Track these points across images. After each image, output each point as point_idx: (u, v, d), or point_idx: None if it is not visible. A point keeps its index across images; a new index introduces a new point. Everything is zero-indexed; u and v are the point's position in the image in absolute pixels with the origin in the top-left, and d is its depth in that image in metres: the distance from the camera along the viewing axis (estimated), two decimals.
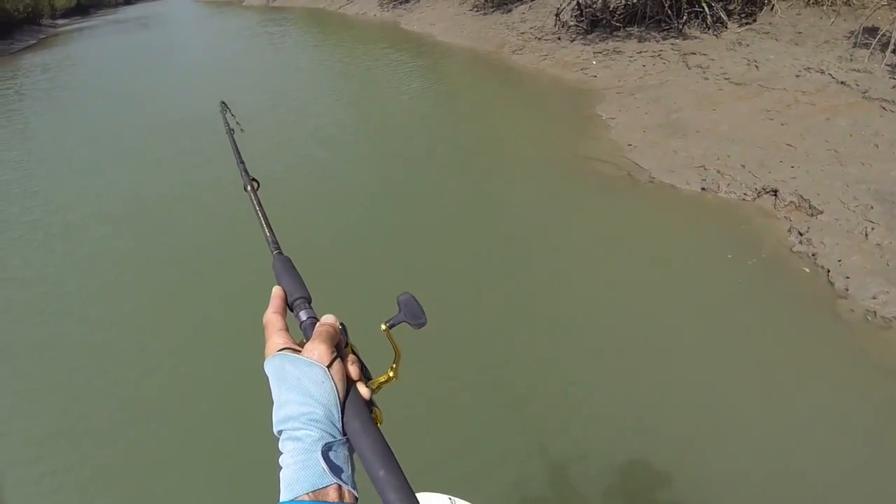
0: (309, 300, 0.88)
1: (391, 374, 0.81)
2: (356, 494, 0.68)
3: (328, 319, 0.79)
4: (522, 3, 12.22)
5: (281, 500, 0.65)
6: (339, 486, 0.66)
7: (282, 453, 0.69)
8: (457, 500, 1.38)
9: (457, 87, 9.60)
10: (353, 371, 0.77)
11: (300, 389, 0.70)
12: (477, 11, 13.40)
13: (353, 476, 0.69)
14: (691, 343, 3.48)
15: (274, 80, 11.43)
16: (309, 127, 8.19)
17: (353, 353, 0.80)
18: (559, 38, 9.95)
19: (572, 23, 10.04)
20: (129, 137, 9.34)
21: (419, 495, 1.31)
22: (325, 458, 0.66)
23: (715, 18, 8.24)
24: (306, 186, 6.38)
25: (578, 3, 10.02)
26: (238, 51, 16.34)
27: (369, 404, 0.76)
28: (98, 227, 6.18)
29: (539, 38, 10.34)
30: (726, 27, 8.13)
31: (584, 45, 9.36)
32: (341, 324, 0.80)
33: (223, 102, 1.56)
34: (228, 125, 1.40)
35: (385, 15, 17.70)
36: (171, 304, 4.56)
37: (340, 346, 0.78)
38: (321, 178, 6.52)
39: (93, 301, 4.79)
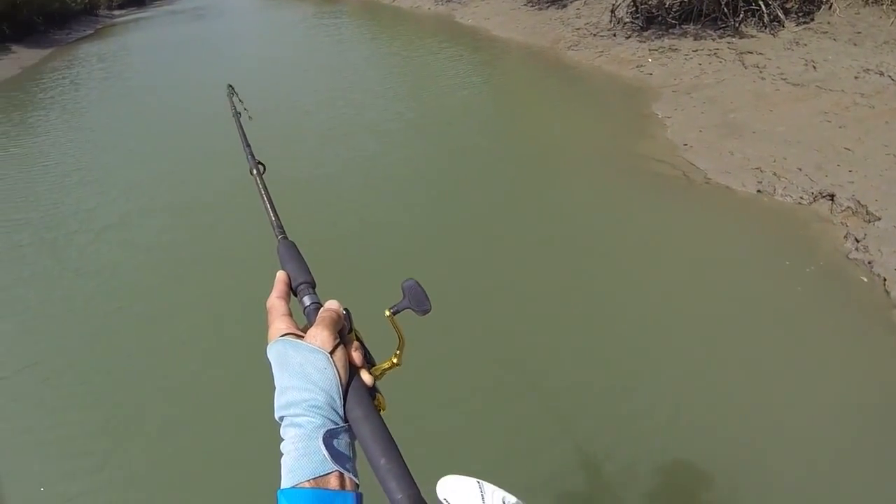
0: (313, 285, 0.89)
1: (395, 360, 0.82)
2: (357, 482, 0.69)
3: (332, 305, 0.81)
4: None
5: (282, 486, 0.66)
6: (341, 474, 0.67)
7: (283, 439, 0.70)
8: (484, 483, 1.38)
9: (513, 83, 9.74)
10: (357, 357, 0.78)
11: (302, 375, 0.71)
12: (532, 6, 13.49)
13: (354, 463, 0.71)
14: (746, 350, 3.49)
15: (331, 73, 11.65)
16: (366, 121, 8.40)
17: (358, 339, 0.82)
18: (614, 35, 10.04)
19: (628, 19, 10.12)
20: (183, 129, 9.61)
21: (448, 478, 1.50)
22: (326, 446, 0.66)
23: (772, 17, 8.22)
24: (359, 180, 6.52)
25: (634, 0, 10.08)
26: (294, 43, 16.58)
27: (372, 391, 0.77)
28: (153, 218, 6.37)
29: (594, 35, 10.45)
30: (783, 26, 8.11)
31: (640, 42, 9.43)
32: (345, 309, 0.82)
33: (230, 86, 1.56)
34: (235, 108, 1.42)
35: (439, 8, 17.85)
36: (224, 300, 4.62)
37: (344, 332, 0.79)
38: (373, 172, 6.66)
39: (146, 295, 4.89)
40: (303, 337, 0.76)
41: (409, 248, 5.06)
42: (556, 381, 3.47)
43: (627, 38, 9.77)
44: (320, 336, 0.74)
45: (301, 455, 0.66)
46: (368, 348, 0.82)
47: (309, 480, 0.64)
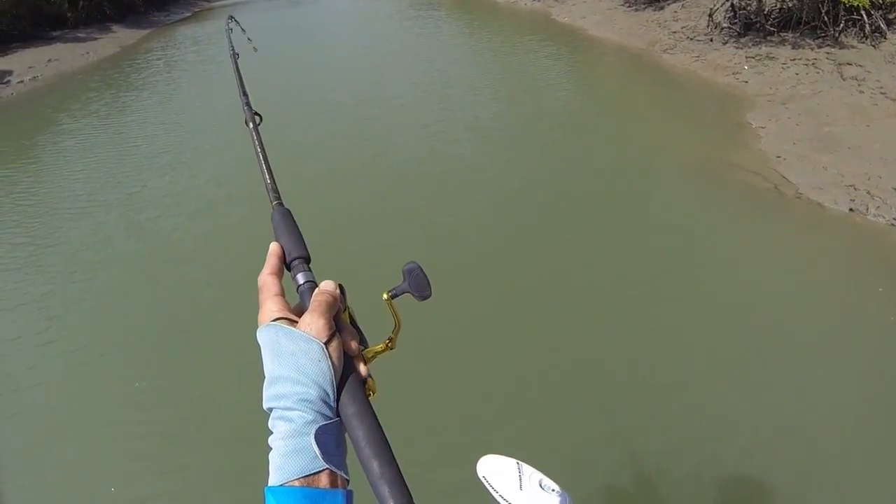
0: (308, 260, 0.84)
1: (389, 344, 0.79)
2: (347, 478, 0.67)
3: (327, 287, 0.76)
4: (675, 1, 12.37)
5: (270, 483, 0.64)
6: (332, 472, 0.65)
7: (272, 432, 0.67)
8: (524, 465, 1.41)
9: (610, 86, 9.99)
10: (353, 346, 0.75)
11: (294, 366, 0.67)
12: (629, 7, 13.67)
13: (345, 460, 0.68)
14: (833, 377, 3.45)
15: (429, 66, 11.88)
16: (463, 118, 8.60)
17: (351, 319, 0.79)
18: (711, 40, 10.16)
19: (725, 24, 10.22)
20: (276, 115, 9.57)
21: (489, 457, 1.55)
22: (317, 443, 0.64)
23: (874, 28, 8.22)
24: (455, 179, 6.76)
25: (732, 5, 10.15)
26: (391, 34, 16.80)
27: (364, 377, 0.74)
28: (240, 205, 6.53)
29: (691, 39, 10.57)
30: (885, 38, 8.11)
31: (737, 48, 9.56)
32: (340, 286, 0.78)
33: (231, 17, 1.43)
34: (233, 48, 1.31)
35: (536, 5, 17.92)
36: None
37: (339, 316, 0.76)
38: (467, 172, 6.90)
39: (230, 286, 5.03)
40: (296, 322, 0.72)
41: (491, 246, 5.26)
42: (633, 389, 3.56)
43: (724, 43, 9.89)
44: (316, 324, 0.71)
45: (291, 452, 0.64)
46: (361, 327, 0.80)
47: (298, 479, 0.63)
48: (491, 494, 1.45)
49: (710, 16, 10.41)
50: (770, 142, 6.67)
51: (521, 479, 1.40)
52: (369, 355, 0.77)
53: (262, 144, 1.01)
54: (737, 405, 3.40)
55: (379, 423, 0.69)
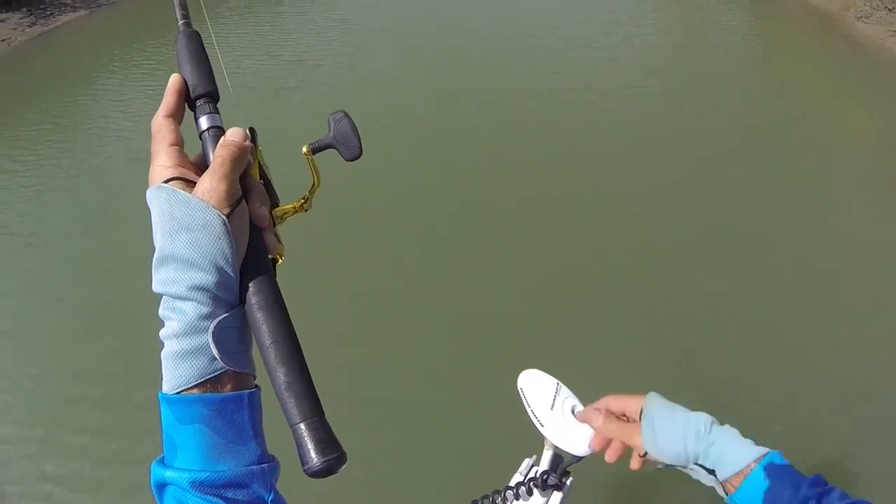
0: (216, 98, 0.69)
1: (304, 203, 0.69)
2: (254, 374, 0.60)
3: (235, 136, 0.63)
4: None
5: (162, 391, 0.56)
6: (235, 373, 0.57)
7: (162, 323, 0.57)
8: (563, 387, 1.36)
9: (788, 53, 8.76)
10: (262, 214, 0.63)
11: (188, 243, 0.56)
12: None
13: (250, 354, 0.60)
14: None
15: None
16: (615, 80, 7.68)
17: (262, 173, 0.67)
18: None
19: None
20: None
21: (532, 371, 1.41)
22: (216, 341, 0.55)
23: None
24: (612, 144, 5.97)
25: None
26: None
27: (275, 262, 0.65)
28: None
29: (890, 9, 9.28)
30: None
31: None
32: (251, 130, 0.66)
33: None
34: None
35: None
36: None
37: (247, 172, 0.64)
38: (622, 143, 5.96)
39: None
40: (193, 185, 0.60)
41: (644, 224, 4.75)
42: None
43: None
44: (217, 190, 0.58)
45: (185, 353, 0.55)
46: (272, 180, 0.68)
47: (196, 386, 0.55)
48: (524, 406, 1.36)
49: None
50: None
51: (555, 399, 1.29)
52: (279, 214, 0.67)
53: None
54: None
55: (289, 317, 0.59)
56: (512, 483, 1.48)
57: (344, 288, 4.09)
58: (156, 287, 0.57)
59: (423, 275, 4.23)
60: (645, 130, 6.16)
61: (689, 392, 3.27)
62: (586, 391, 1.41)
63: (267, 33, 8.41)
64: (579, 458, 1.30)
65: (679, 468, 0.97)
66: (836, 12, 9.85)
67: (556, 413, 1.28)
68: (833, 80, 7.61)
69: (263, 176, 0.67)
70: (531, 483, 1.42)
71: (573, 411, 1.29)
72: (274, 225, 0.66)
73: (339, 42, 8.01)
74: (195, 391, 0.55)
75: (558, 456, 1.48)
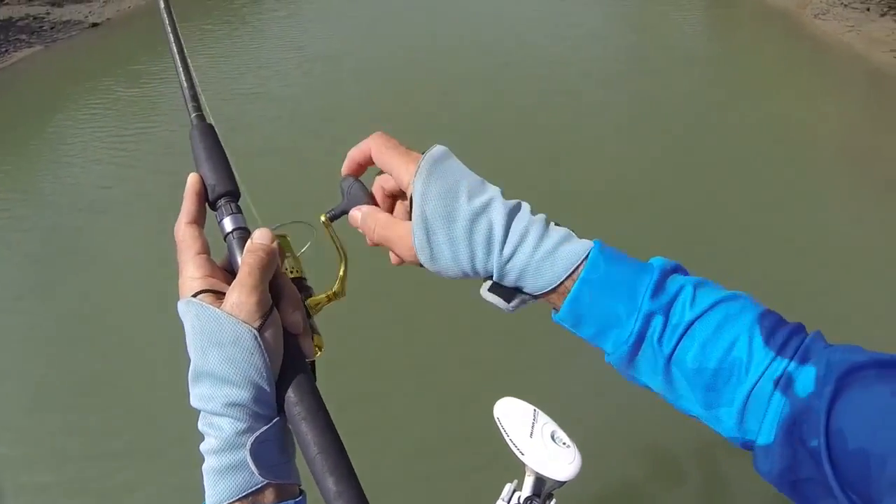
0: (237, 196, 0.67)
1: (337, 288, 0.67)
2: (298, 482, 0.59)
3: (262, 238, 0.61)
4: None
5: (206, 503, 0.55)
6: (278, 484, 0.56)
7: (202, 437, 0.57)
8: (540, 413, 1.36)
9: (748, 50, 8.93)
10: (294, 321, 0.61)
11: (221, 359, 0.55)
12: None
13: (293, 463, 0.60)
14: None
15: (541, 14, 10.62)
16: (577, 72, 7.97)
17: (294, 269, 0.66)
18: (868, 9, 8.98)
19: None
20: None
21: (508, 399, 1.46)
22: (254, 457, 0.54)
23: None
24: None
25: None
26: None
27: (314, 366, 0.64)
28: None
29: (846, 5, 9.48)
30: None
31: None
32: (279, 238, 0.64)
33: None
34: None
35: None
36: None
37: (277, 275, 0.62)
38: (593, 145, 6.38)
39: None
40: (222, 298, 0.58)
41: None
42: None
43: (882, 14, 8.66)
44: (246, 305, 0.56)
45: (225, 469, 0.55)
46: (303, 273, 0.67)
47: (238, 500, 0.54)
48: (502, 435, 1.37)
49: None
50: None
51: (533, 427, 1.30)
52: (313, 305, 0.65)
53: (176, 31, 0.73)
54: None
55: (332, 424, 0.57)
56: None
57: None
58: (193, 402, 0.57)
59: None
60: (602, 135, 6.19)
61: None
62: (565, 415, 1.42)
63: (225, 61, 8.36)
64: (562, 483, 1.31)
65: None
66: (793, 10, 10.06)
67: (535, 441, 1.29)
68: (794, 78, 7.74)
69: (298, 276, 0.66)
70: None
71: (553, 438, 1.30)
72: (309, 316, 0.64)
73: (297, 72, 8.01)
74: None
75: (541, 479, 1.49)
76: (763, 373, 0.57)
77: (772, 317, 0.61)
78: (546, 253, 0.62)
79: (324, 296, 0.66)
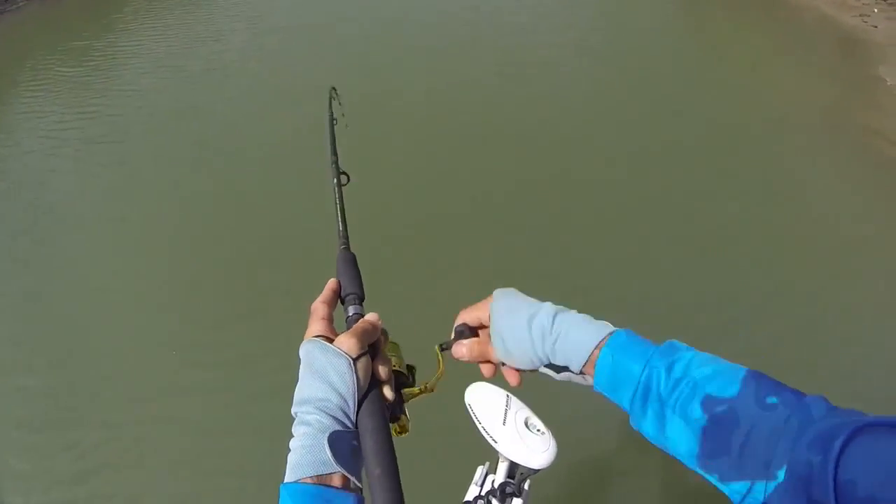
0: (361, 298, 0.91)
1: (428, 386, 0.87)
2: (360, 486, 0.71)
3: (370, 317, 0.84)
4: None
5: (285, 481, 0.68)
6: (344, 476, 0.69)
7: (293, 437, 0.72)
8: (513, 398, 1.37)
9: (712, 12, 8.66)
10: (382, 372, 0.80)
11: (322, 376, 0.73)
12: None
13: (360, 469, 0.72)
14: None
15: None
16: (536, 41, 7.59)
17: (397, 357, 0.86)
18: None
19: None
20: None
21: (479, 385, 1.45)
22: (330, 445, 0.68)
23: None
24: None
25: None
26: None
27: (392, 408, 0.81)
28: None
29: None
30: None
31: None
32: (391, 344, 0.87)
33: (333, 88, 1.46)
34: (332, 114, 1.34)
35: None
36: None
37: (377, 346, 0.82)
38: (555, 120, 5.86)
39: None
40: (332, 341, 0.78)
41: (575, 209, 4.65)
42: None
43: None
44: (347, 342, 0.77)
45: (306, 451, 0.68)
46: (407, 371, 0.87)
47: (311, 477, 0.67)
48: (474, 422, 1.34)
49: None
50: None
51: (506, 414, 1.27)
52: (406, 393, 0.85)
53: (342, 200, 1.05)
54: None
55: (391, 441, 0.72)
56: (470, 497, 1.45)
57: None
58: (293, 408, 0.74)
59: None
60: (579, 114, 6.00)
61: None
62: (539, 400, 1.38)
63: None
64: (537, 471, 1.28)
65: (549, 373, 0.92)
66: None
67: (508, 428, 1.26)
68: (766, 41, 7.62)
69: (401, 367, 0.86)
70: (490, 496, 1.39)
71: (527, 424, 1.27)
72: (402, 401, 0.84)
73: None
74: (309, 481, 0.67)
75: (515, 465, 1.46)
76: (760, 424, 0.66)
77: (770, 379, 0.71)
78: (577, 339, 0.83)
79: (417, 388, 0.86)
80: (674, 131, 5.52)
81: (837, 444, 0.56)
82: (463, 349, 0.95)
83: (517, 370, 0.92)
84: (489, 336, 0.93)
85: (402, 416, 0.83)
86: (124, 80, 6.84)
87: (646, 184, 4.87)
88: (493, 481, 1.46)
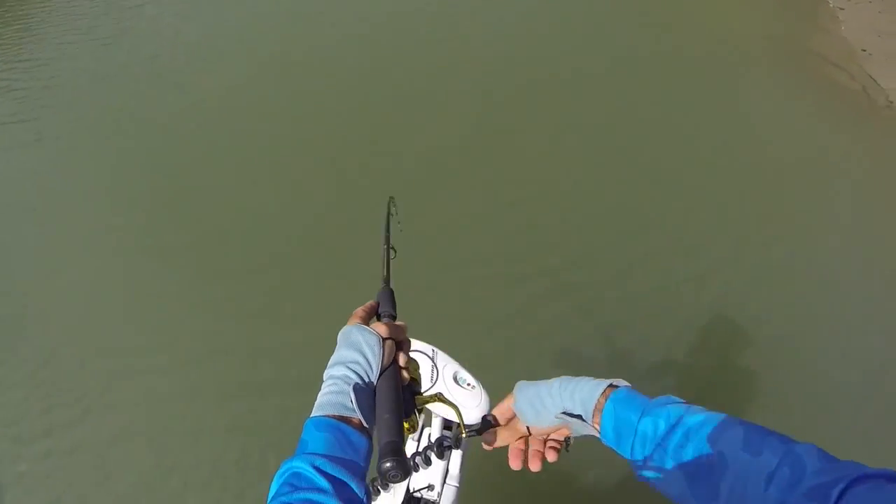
0: (394, 318, 1.05)
1: (437, 399, 1.00)
2: (371, 435, 0.84)
3: (400, 322, 1.02)
4: None
5: (312, 415, 0.83)
6: (360, 421, 0.82)
7: (321, 389, 0.87)
8: (440, 353, 1.37)
9: None
10: (402, 359, 0.95)
11: (355, 346, 0.89)
12: None
13: (373, 421, 0.85)
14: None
15: None
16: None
17: (415, 370, 0.99)
18: None
19: None
20: None
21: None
22: (354, 393, 0.83)
23: None
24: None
25: None
26: None
27: (408, 391, 0.94)
28: None
29: None
30: None
31: None
32: (411, 361, 0.99)
33: (392, 198, 1.47)
34: (388, 222, 1.36)
35: None
36: None
37: (402, 344, 0.97)
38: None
39: None
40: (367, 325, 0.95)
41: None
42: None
43: None
44: (380, 328, 0.93)
45: (333, 395, 0.83)
46: (419, 379, 1.01)
47: (334, 415, 0.81)
48: None
49: None
50: (852, 29, 5.68)
51: (433, 370, 1.25)
52: (420, 399, 0.96)
53: (389, 268, 1.18)
54: None
55: (401, 397, 0.87)
56: (408, 453, 1.42)
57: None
58: (326, 371, 0.89)
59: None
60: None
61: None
62: (465, 351, 1.33)
63: None
64: (473, 427, 1.26)
65: (578, 434, 0.97)
66: None
67: (438, 386, 1.22)
68: None
69: (415, 380, 0.98)
70: (427, 451, 1.37)
71: (456, 379, 1.24)
72: (417, 408, 0.95)
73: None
74: (332, 417, 0.80)
75: (449, 421, 1.43)
76: (748, 470, 0.69)
77: (757, 426, 0.74)
78: (586, 387, 0.91)
79: (429, 395, 0.98)
80: (618, 61, 5.36)
81: (835, 492, 0.58)
82: (492, 438, 1.07)
83: (544, 443, 1.02)
84: (514, 418, 1.04)
85: (413, 416, 0.91)
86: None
87: (589, 117, 4.79)
88: (429, 435, 1.43)
